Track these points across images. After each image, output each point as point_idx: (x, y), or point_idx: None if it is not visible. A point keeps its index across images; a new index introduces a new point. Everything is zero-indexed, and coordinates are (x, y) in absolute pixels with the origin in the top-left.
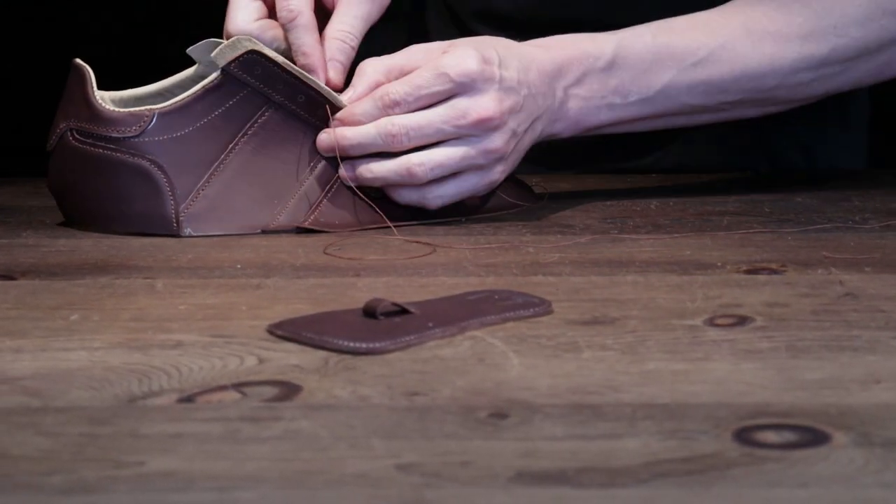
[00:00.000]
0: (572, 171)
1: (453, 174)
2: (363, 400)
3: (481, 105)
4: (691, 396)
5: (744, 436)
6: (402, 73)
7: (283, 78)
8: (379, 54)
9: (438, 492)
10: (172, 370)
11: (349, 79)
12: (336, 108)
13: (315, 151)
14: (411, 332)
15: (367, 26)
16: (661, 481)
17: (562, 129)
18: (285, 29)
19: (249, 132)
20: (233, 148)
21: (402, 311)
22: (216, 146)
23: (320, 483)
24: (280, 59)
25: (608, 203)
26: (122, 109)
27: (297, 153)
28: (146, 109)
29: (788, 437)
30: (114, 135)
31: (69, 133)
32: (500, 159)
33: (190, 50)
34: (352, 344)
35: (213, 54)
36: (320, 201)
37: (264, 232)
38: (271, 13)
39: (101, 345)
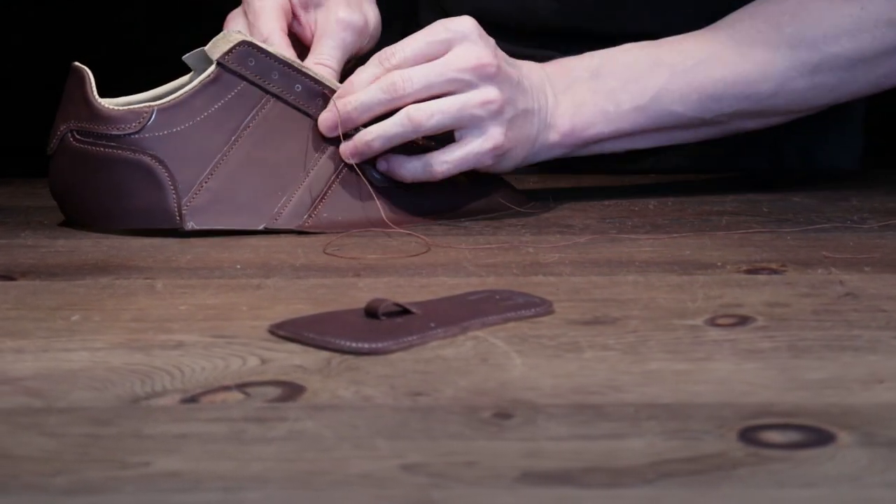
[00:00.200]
0: (570, 172)
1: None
2: (367, 400)
3: (479, 51)
4: (694, 396)
5: (749, 436)
6: None
7: (277, 68)
8: None
9: (445, 492)
10: (175, 370)
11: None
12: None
13: (318, 143)
14: (413, 333)
15: (347, 55)
16: (667, 481)
17: (557, 139)
18: None
19: (251, 125)
20: (235, 140)
21: (403, 311)
22: (217, 139)
23: (326, 483)
24: (272, 49)
25: (606, 203)
26: (121, 107)
27: (300, 145)
28: (145, 106)
29: (793, 437)
30: (114, 132)
31: (69, 134)
32: (497, 114)
33: (185, 57)
34: (354, 344)
35: (206, 48)
36: (324, 193)
37: (266, 230)
38: None
39: (102, 345)
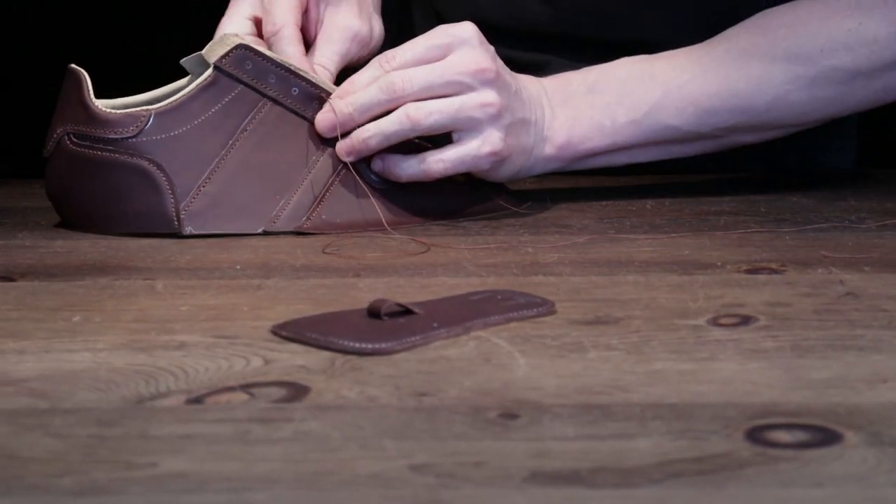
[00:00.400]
0: (566, 172)
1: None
2: (372, 400)
3: (478, 56)
4: (699, 396)
5: (755, 435)
6: None
7: (273, 71)
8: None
9: (454, 492)
10: (178, 371)
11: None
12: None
13: (316, 145)
14: (416, 333)
15: (344, 63)
16: (675, 481)
17: (553, 152)
18: (270, 42)
19: (249, 128)
20: (233, 144)
21: (406, 311)
22: (215, 143)
23: (333, 484)
24: (269, 52)
25: (603, 203)
26: (118, 111)
27: (297, 148)
28: (143, 110)
29: (800, 436)
30: (111, 136)
31: (66, 137)
32: (496, 118)
33: (183, 61)
34: (357, 344)
35: (203, 51)
36: (322, 195)
37: (265, 233)
38: (259, 32)
39: (104, 346)
